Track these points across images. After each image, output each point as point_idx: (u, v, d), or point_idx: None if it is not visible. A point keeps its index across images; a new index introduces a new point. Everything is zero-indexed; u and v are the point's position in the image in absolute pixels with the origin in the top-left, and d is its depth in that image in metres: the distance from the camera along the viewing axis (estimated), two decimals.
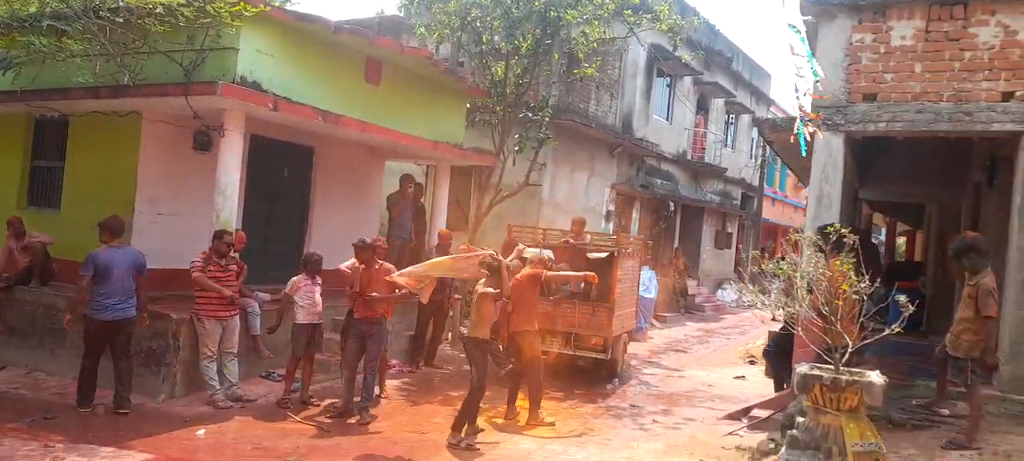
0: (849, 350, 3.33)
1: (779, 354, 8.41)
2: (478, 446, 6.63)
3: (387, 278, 7.50)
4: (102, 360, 7.12)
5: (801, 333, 3.99)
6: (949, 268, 9.84)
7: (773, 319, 8.58)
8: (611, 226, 17.89)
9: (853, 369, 3.33)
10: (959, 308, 6.55)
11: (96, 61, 8.10)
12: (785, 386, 8.00)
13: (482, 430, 6.93)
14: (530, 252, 8.32)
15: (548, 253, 9.31)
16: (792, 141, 6.75)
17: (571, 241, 10.01)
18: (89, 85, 8.17)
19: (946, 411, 6.78)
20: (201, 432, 6.56)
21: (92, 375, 7.06)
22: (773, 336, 8.97)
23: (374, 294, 7.42)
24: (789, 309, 3.53)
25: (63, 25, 7.71)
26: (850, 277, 3.35)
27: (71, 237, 8.99)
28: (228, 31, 7.85)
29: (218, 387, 7.45)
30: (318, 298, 7.88)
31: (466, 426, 6.66)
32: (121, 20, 7.54)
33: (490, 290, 7.03)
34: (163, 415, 7.06)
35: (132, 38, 7.87)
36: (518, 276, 7.54)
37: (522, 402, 7.73)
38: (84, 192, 9.25)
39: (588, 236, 10.57)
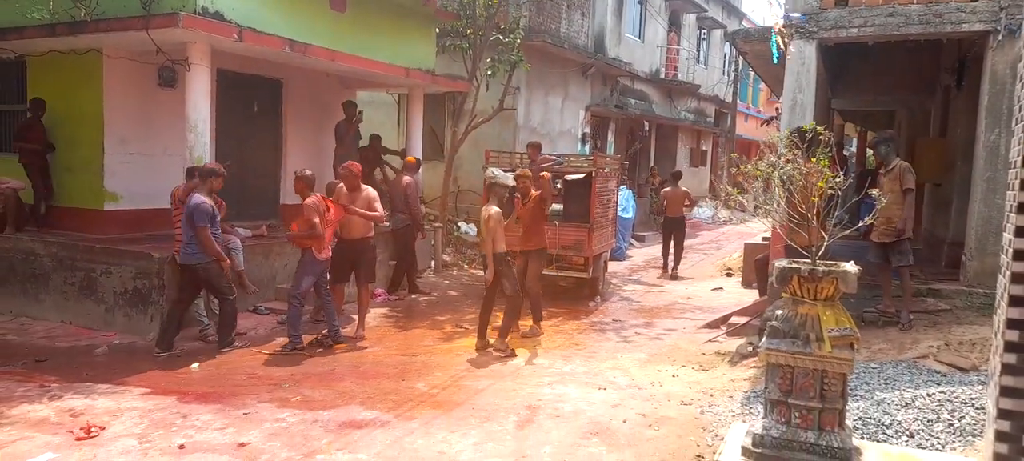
0: (825, 244, 3.47)
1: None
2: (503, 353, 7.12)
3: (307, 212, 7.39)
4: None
5: (779, 230, 4.13)
6: (918, 172, 10.10)
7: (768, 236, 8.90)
8: (588, 148, 17.93)
9: (829, 261, 3.48)
10: (881, 199, 6.88)
11: None
12: None
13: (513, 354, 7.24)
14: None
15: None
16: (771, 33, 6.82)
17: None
18: (45, 22, 7.89)
19: (893, 308, 7.13)
20: (195, 366, 6.65)
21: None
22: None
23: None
24: (767, 209, 3.64)
25: None
26: (825, 173, 3.46)
27: None
28: None
29: (207, 322, 7.51)
30: None
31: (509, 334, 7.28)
32: None
33: (496, 209, 7.15)
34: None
35: None
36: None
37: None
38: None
39: (556, 158, 10.64)
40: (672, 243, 12.85)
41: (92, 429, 4.94)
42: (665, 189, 13.48)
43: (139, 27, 7.60)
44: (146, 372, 6.42)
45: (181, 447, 4.72)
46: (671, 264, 12.86)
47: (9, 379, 6.12)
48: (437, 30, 12.45)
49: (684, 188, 13.20)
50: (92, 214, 8.80)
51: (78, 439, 4.82)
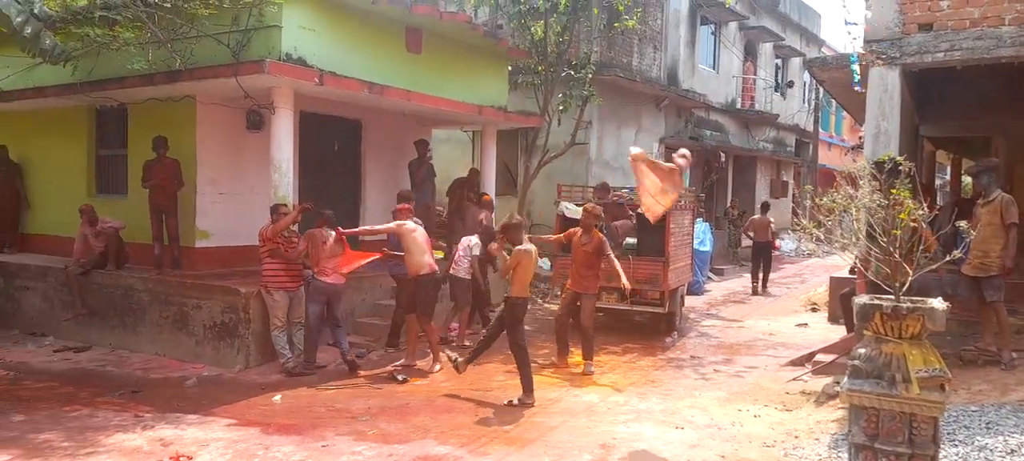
0: (909, 279, 3.29)
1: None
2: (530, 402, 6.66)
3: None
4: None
5: (860, 266, 3.95)
6: (1020, 202, 9.48)
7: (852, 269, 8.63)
8: None
9: (913, 297, 3.29)
10: (979, 231, 6.54)
11: (148, 48, 8.39)
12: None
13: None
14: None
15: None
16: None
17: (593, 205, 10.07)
18: (144, 72, 8.47)
19: (994, 346, 6.65)
20: (277, 398, 6.87)
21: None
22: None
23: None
24: (846, 243, 3.49)
25: (114, 15, 7.97)
26: (907, 205, 3.28)
27: (140, 221, 9.41)
28: (271, 9, 8.04)
29: (289, 355, 7.76)
30: None
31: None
32: (169, 5, 7.78)
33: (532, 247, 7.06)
34: (240, 384, 7.41)
35: (180, 23, 8.12)
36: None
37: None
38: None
39: (628, 191, 10.56)
40: (761, 265, 14.54)
41: (181, 459, 5.16)
42: (753, 217, 15.56)
43: (229, 74, 8.06)
44: (232, 403, 6.68)
45: None
46: (760, 285, 14.56)
47: (107, 409, 6.50)
48: (509, 68, 12.65)
49: (768, 217, 14.99)
50: (185, 251, 9.30)
51: None
